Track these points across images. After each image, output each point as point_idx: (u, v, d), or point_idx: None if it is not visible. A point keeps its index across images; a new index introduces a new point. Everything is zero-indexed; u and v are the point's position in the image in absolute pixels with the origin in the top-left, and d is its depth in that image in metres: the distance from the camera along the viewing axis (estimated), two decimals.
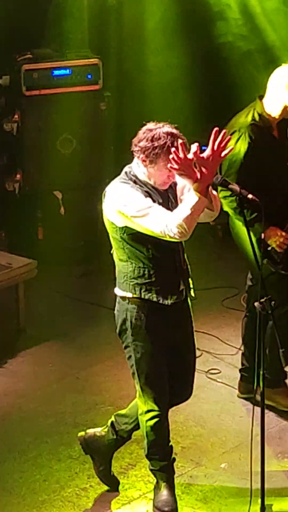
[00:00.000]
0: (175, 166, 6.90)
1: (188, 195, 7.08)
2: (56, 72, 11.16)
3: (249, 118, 8.54)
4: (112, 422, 7.92)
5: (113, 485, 8.00)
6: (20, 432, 8.57)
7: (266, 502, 7.30)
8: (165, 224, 7.03)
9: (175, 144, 7.07)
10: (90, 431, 8.05)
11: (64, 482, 8.07)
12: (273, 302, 7.31)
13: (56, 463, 8.25)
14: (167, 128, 7.29)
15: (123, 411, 7.98)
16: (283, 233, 8.42)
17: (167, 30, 11.81)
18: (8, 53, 11.24)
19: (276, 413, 8.51)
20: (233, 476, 8.04)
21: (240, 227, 8.65)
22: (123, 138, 11.04)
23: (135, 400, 7.89)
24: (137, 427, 7.95)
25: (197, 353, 9.39)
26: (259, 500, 7.28)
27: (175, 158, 6.89)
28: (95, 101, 11.20)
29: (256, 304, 7.27)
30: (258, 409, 7.31)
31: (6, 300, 10.11)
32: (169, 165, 7.01)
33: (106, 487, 7.98)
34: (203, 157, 6.92)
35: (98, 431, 8.02)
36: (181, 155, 6.85)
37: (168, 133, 7.19)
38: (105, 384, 9.15)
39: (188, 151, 6.99)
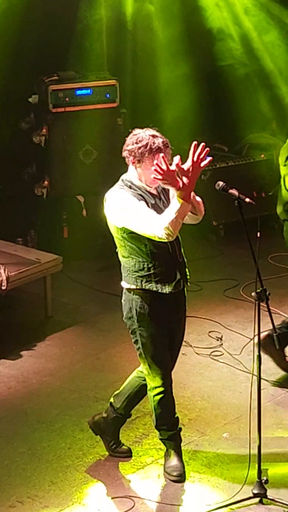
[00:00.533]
0: (159, 176, 6.99)
1: (173, 201, 7.15)
2: (79, 92, 11.20)
3: None
4: (111, 403, 8.06)
5: (127, 456, 8.06)
6: (48, 406, 8.67)
7: (262, 467, 7.35)
8: (155, 226, 7.12)
9: (160, 143, 7.27)
10: (96, 415, 8.15)
11: (86, 449, 8.12)
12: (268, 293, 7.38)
13: (79, 433, 8.28)
14: (149, 131, 7.42)
15: (118, 391, 8.04)
16: None
17: (176, 55, 11.81)
18: (37, 75, 11.30)
19: (271, 389, 8.48)
20: (233, 444, 8.06)
21: None
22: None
23: (127, 380, 8.05)
24: (130, 404, 8.07)
25: (202, 337, 9.47)
26: (256, 465, 7.31)
27: (158, 170, 6.97)
28: (112, 117, 11.23)
29: (252, 293, 7.30)
30: (255, 386, 7.33)
31: (35, 291, 10.13)
32: (152, 175, 7.12)
33: (126, 456, 8.04)
34: (183, 168, 7.01)
35: (103, 413, 8.11)
36: (164, 167, 6.93)
37: (150, 135, 7.33)
38: (121, 363, 9.16)
39: (171, 157, 7.14)
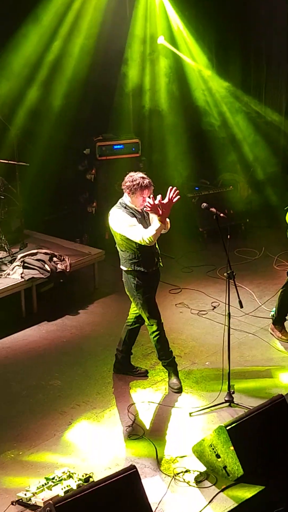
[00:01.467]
0: (148, 208, 7.25)
1: (154, 221, 7.36)
2: (115, 147, 11.19)
3: None
4: (117, 349, 8.12)
5: (145, 376, 8.09)
6: (95, 344, 8.66)
7: (230, 383, 7.37)
8: (141, 236, 7.34)
9: (145, 182, 7.36)
10: (115, 363, 8.15)
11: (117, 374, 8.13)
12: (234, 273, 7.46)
13: None
14: (140, 174, 7.48)
15: (119, 342, 8.11)
16: None
17: (176, 124, 11.72)
18: (89, 136, 11.23)
19: (236, 334, 8.39)
20: (213, 369, 8.04)
21: None
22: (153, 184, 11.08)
23: (122, 332, 8.07)
24: (127, 345, 8.08)
25: (192, 302, 9.48)
26: (227, 382, 7.32)
27: (148, 204, 7.24)
28: (136, 162, 11.16)
29: (225, 274, 7.35)
30: (226, 332, 7.37)
31: (88, 272, 10.10)
32: (144, 208, 7.39)
33: (142, 376, 8.07)
34: (163, 203, 7.22)
35: (116, 360, 8.16)
36: (152, 202, 7.20)
37: (140, 177, 7.42)
38: None
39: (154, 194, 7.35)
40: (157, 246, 7.60)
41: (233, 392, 7.40)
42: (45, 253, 9.59)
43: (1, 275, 9.30)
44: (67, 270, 9.41)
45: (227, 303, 7.54)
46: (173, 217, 11.46)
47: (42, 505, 5.98)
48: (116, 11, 11.20)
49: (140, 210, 7.46)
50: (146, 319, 7.75)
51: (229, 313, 7.52)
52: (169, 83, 11.58)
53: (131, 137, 11.37)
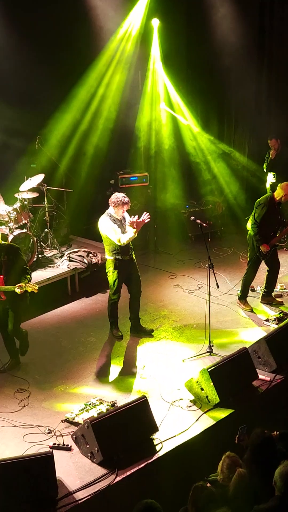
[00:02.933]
0: (128, 223, 7.33)
1: (129, 231, 7.32)
2: (132, 178, 11.07)
3: (269, 196, 8.16)
4: (129, 316, 7.97)
5: (151, 334, 7.94)
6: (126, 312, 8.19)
7: (211, 339, 7.30)
8: (119, 239, 7.33)
9: (125, 200, 7.35)
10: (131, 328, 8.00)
11: (133, 334, 8.02)
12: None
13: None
14: (122, 194, 7.44)
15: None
16: (267, 247, 8.15)
17: (173, 163, 11.67)
18: (114, 170, 11.14)
19: (214, 306, 8.17)
20: (199, 330, 8.00)
21: (251, 238, 8.27)
22: (156, 205, 11.03)
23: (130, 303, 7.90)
24: (131, 311, 7.92)
25: (185, 283, 9.37)
26: (209, 338, 7.29)
27: (129, 222, 7.31)
28: (146, 189, 11.06)
29: (206, 265, 7.30)
30: (207, 305, 7.30)
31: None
32: (127, 224, 7.40)
33: (149, 334, 7.96)
34: (138, 222, 7.24)
35: (131, 322, 7.99)
36: (132, 220, 7.28)
37: (122, 197, 7.39)
38: (146, 293, 9.00)
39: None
40: (131, 245, 7.59)
41: (213, 346, 7.40)
42: (84, 251, 9.58)
43: (54, 266, 9.31)
44: (99, 263, 9.40)
45: (208, 284, 7.54)
46: (171, 226, 11.55)
47: (82, 422, 6.00)
48: (132, 85, 11.17)
49: (119, 218, 7.48)
50: (111, 291, 7.69)
51: (209, 292, 7.53)
52: (168, 136, 11.53)
53: (142, 172, 11.30)
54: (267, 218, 8.02)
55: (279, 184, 8.11)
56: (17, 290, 6.67)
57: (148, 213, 7.37)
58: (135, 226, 7.27)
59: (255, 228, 8.06)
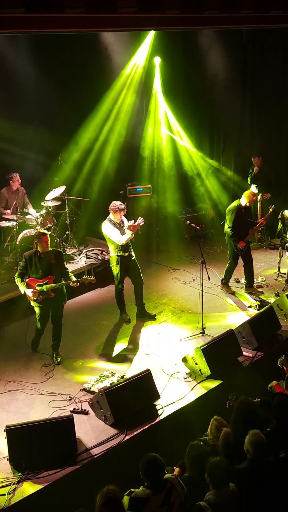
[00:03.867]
0: (126, 227, 7.24)
1: (127, 233, 7.25)
2: (138, 189, 10.93)
3: (236, 203, 8.21)
4: (135, 303, 7.85)
5: (154, 318, 7.89)
6: (127, 301, 8.01)
7: (204, 322, 7.27)
8: (118, 240, 7.27)
9: (121, 207, 7.27)
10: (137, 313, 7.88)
11: (140, 318, 7.97)
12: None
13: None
14: (119, 202, 7.38)
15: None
16: (243, 244, 8.22)
17: (172, 176, 11.54)
18: (123, 182, 11.02)
19: (206, 295, 8.04)
20: (194, 314, 7.95)
21: (229, 238, 8.29)
22: (158, 211, 10.95)
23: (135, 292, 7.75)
24: (136, 297, 7.77)
25: (183, 276, 9.29)
26: (201, 321, 7.27)
27: (127, 226, 7.23)
28: (149, 199, 10.96)
29: (200, 261, 7.27)
30: (200, 294, 7.24)
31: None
32: (125, 228, 7.27)
33: (153, 318, 7.91)
34: (134, 225, 7.22)
35: (137, 307, 7.87)
36: (129, 224, 7.25)
37: (119, 204, 7.34)
38: (149, 282, 8.96)
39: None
40: (130, 243, 7.55)
41: (205, 328, 7.40)
42: (98, 249, 9.55)
43: (74, 262, 9.30)
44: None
45: (201, 277, 7.54)
46: (170, 229, 11.47)
47: (97, 391, 6.02)
48: (138, 111, 11.13)
49: (118, 222, 7.44)
50: (116, 282, 7.65)
51: (202, 283, 7.54)
52: (168, 154, 11.46)
53: (146, 183, 11.20)
54: (238, 221, 8.10)
55: (244, 192, 8.26)
56: (73, 284, 6.64)
57: (142, 218, 7.41)
58: (131, 229, 7.29)
59: (229, 231, 8.18)
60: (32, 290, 6.56)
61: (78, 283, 6.67)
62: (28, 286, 6.61)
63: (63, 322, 7.00)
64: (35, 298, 6.59)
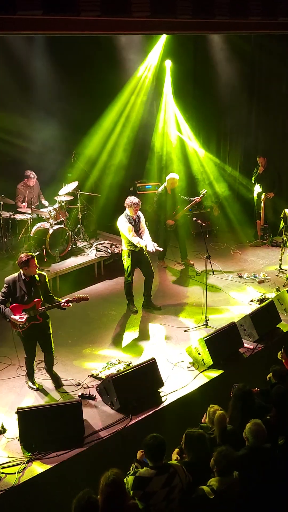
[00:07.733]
0: (147, 247, 7.27)
1: (142, 243, 7.27)
2: (147, 186, 10.98)
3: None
4: (143, 293, 7.84)
5: (159, 309, 7.85)
6: (134, 292, 7.93)
7: (207, 314, 7.25)
8: (131, 237, 7.27)
9: (135, 201, 7.20)
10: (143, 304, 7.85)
11: (146, 309, 7.95)
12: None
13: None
14: (134, 197, 7.32)
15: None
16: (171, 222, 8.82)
17: (180, 174, 11.53)
18: (133, 180, 11.03)
19: (210, 289, 8.04)
20: (198, 307, 7.90)
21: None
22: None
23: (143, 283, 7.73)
24: (145, 288, 7.75)
25: (187, 270, 9.23)
26: (205, 314, 7.25)
27: (149, 249, 7.25)
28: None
29: (205, 256, 7.21)
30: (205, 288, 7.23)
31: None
32: (142, 223, 7.33)
33: (158, 309, 7.85)
34: (149, 249, 7.22)
35: (144, 299, 7.86)
36: (152, 245, 7.33)
37: (134, 198, 7.30)
38: (164, 276, 8.95)
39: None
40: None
41: (208, 320, 7.38)
42: (108, 243, 9.54)
43: (84, 254, 9.30)
44: (120, 252, 9.32)
45: (206, 271, 7.51)
46: (179, 226, 11.39)
47: (104, 377, 6.03)
48: (149, 112, 11.10)
49: (134, 218, 7.39)
50: (126, 274, 7.64)
51: (206, 277, 7.51)
52: (176, 153, 11.40)
53: (155, 181, 11.19)
54: (166, 203, 8.81)
55: (167, 178, 8.75)
56: (64, 305, 5.78)
57: (156, 244, 7.44)
58: (147, 247, 7.33)
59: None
60: (19, 316, 5.61)
61: (70, 304, 5.80)
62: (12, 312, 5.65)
63: (71, 314, 6.84)
64: (21, 326, 5.67)
